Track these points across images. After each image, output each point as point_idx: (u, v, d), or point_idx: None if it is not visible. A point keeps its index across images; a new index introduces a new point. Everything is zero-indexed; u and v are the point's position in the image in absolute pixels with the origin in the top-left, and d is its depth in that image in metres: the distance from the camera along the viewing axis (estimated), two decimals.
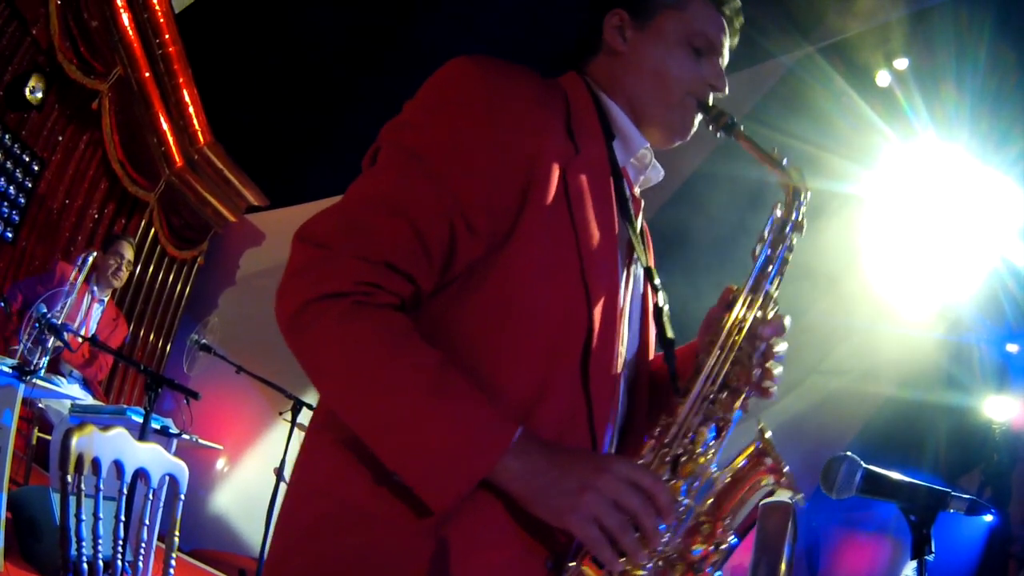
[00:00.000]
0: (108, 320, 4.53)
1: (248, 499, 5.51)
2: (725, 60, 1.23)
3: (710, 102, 1.19)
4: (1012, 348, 6.08)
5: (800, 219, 1.11)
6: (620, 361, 1.09)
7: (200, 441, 4.15)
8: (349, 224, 0.97)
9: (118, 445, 1.61)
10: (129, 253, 4.49)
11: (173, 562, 1.74)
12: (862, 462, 1.47)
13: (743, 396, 1.04)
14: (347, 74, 5.82)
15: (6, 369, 3.06)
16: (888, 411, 6.26)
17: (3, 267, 4.97)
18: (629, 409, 1.15)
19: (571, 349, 1.02)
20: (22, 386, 3.10)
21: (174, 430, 3.81)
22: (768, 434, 1.00)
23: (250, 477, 5.76)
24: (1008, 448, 5.78)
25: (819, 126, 4.74)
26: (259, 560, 4.10)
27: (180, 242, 6.47)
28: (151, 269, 6.26)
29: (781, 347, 1.08)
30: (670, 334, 1.17)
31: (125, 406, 4.02)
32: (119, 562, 1.70)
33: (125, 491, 1.64)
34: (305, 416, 4.00)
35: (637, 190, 1.25)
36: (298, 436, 3.98)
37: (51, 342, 3.38)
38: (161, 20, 5.56)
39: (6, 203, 4.83)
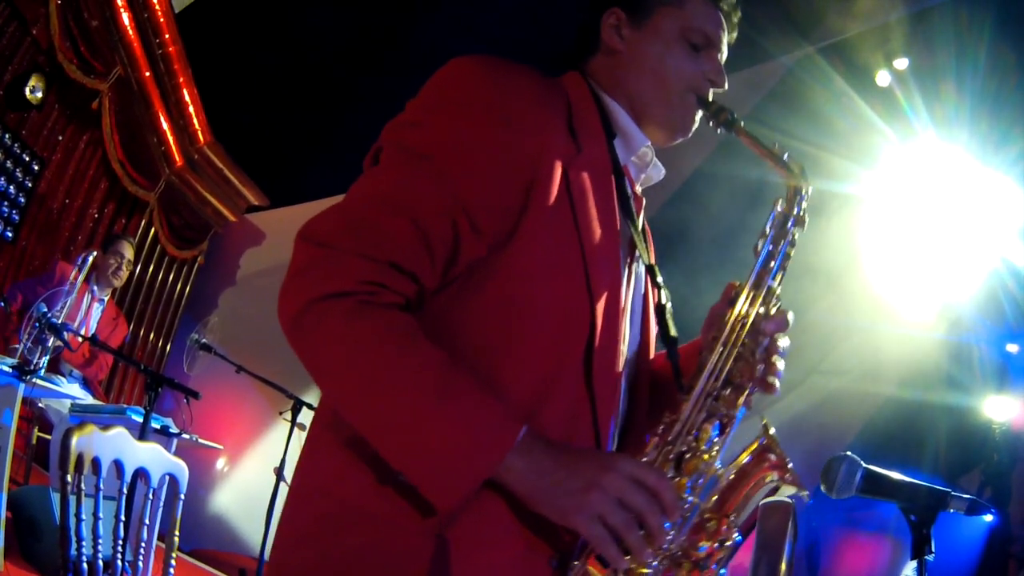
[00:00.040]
0: (108, 320, 4.53)
1: (248, 499, 5.51)
2: (724, 56, 1.22)
3: (710, 98, 1.19)
4: (1012, 348, 6.09)
5: (802, 214, 1.11)
6: (622, 359, 1.09)
7: (200, 441, 4.15)
8: (352, 223, 0.96)
9: (118, 445, 1.61)
10: (129, 253, 4.49)
11: (173, 562, 1.74)
12: (862, 462, 1.47)
13: (747, 392, 1.03)
14: (347, 74, 5.81)
15: (6, 369, 3.06)
16: (888, 411, 6.27)
17: (3, 267, 4.97)
18: (630, 407, 1.14)
19: (574, 347, 1.02)
20: (22, 386, 3.10)
21: (174, 430, 3.81)
22: (772, 430, 1.00)
23: (250, 477, 5.76)
24: (1008, 448, 5.79)
25: (819, 126, 4.73)
26: (259, 560, 4.10)
27: (180, 242, 6.46)
28: (151, 269, 6.26)
29: (784, 342, 1.07)
30: (673, 332, 1.17)
31: (125, 406, 4.02)
32: (119, 562, 1.70)
33: (125, 491, 1.64)
34: (305, 416, 4.00)
35: (638, 188, 1.25)
36: (298, 436, 3.98)
37: (51, 342, 3.38)
38: (161, 20, 5.56)
39: (6, 203, 4.82)
